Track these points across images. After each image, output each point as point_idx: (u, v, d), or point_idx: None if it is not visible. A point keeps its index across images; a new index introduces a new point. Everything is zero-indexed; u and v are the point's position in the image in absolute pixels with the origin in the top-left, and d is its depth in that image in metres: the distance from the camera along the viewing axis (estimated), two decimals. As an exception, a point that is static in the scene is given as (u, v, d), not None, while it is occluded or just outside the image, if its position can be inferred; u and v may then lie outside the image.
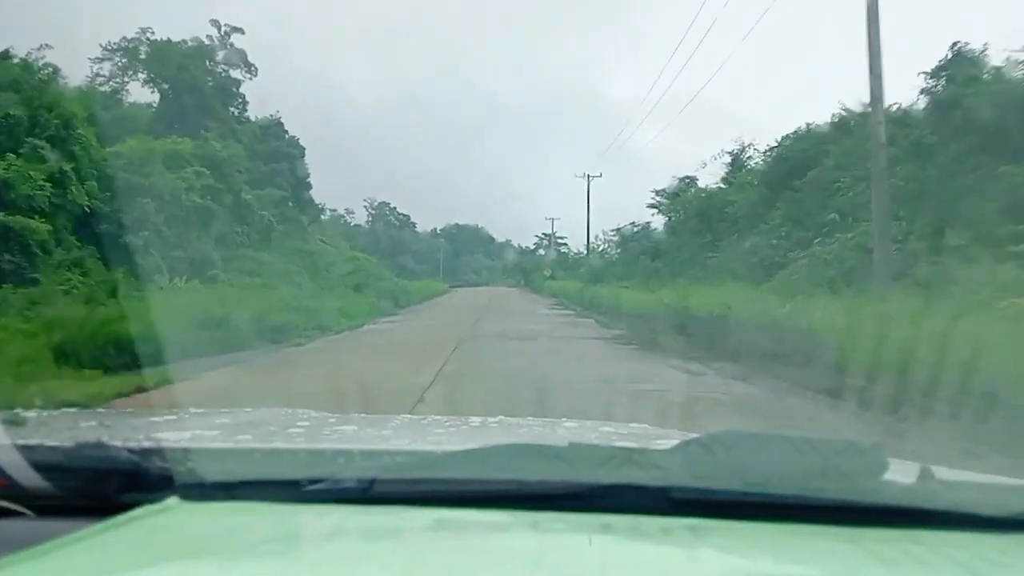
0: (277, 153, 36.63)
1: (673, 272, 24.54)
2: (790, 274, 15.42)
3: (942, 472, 1.14)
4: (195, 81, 30.46)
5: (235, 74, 33.82)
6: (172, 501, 1.09)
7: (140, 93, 29.70)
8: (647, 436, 1.65)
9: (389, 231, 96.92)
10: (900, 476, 1.06)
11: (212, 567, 0.96)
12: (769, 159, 22.50)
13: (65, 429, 1.40)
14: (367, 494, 1.07)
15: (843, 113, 19.01)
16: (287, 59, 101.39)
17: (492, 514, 1.03)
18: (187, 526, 1.07)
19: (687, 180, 30.56)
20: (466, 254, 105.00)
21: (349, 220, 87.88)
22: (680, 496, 1.03)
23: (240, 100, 36.13)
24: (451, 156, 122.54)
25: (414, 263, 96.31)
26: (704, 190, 26.95)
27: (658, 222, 37.04)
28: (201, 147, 23.60)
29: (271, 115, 36.05)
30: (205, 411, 1.95)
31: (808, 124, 21.25)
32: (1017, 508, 1.04)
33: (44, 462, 1.15)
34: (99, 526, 1.02)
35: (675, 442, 1.18)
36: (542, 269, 60.01)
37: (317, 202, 41.17)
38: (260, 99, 36.32)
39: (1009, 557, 1.00)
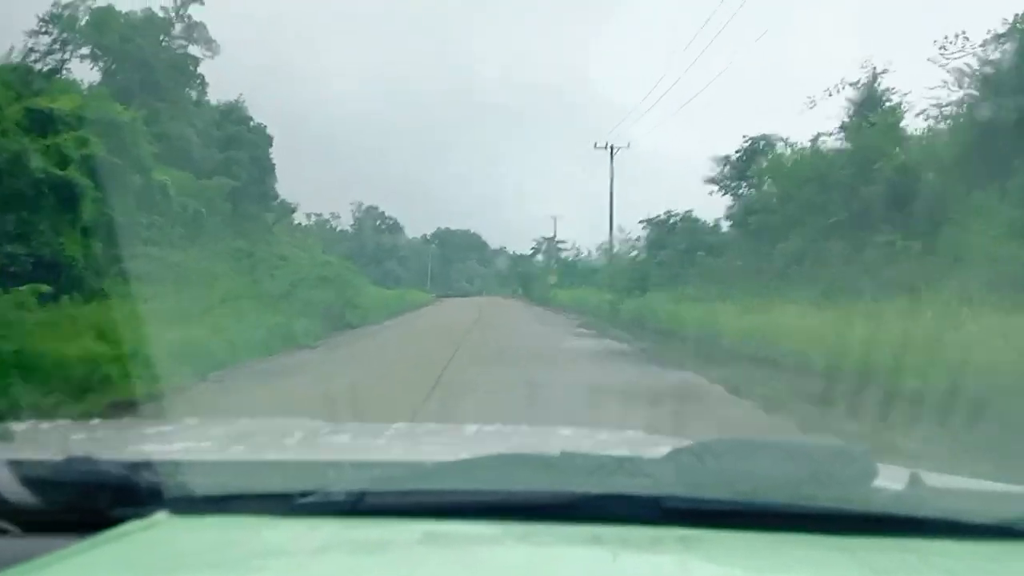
0: (235, 139, 33.00)
1: (778, 276, 12.93)
2: None
3: (932, 478, 1.21)
4: (143, 56, 27.75)
5: (193, 51, 31.20)
6: (161, 516, 1.17)
7: (82, 71, 26.78)
8: (639, 443, 1.69)
9: (376, 236, 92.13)
10: (890, 482, 1.16)
11: None
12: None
13: (54, 443, 1.46)
14: (357, 507, 1.14)
15: None
16: (269, 57, 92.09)
17: (482, 526, 1.12)
18: (176, 541, 1.15)
19: (764, 142, 18.82)
20: (458, 261, 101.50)
21: (335, 225, 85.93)
22: (671, 505, 1.11)
23: (199, 81, 33.24)
24: (443, 159, 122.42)
25: (402, 271, 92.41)
26: (816, 144, 15.45)
27: (710, 210, 25.01)
28: (91, 107, 18.00)
29: (234, 100, 33.69)
30: (198, 422, 1.99)
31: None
32: (1008, 515, 1.11)
33: (32, 477, 1.21)
34: (87, 542, 1.09)
35: (666, 450, 1.26)
36: (546, 276, 57.37)
37: (288, 200, 38.81)
38: (234, 96, 33.88)
39: (1000, 565, 1.07)
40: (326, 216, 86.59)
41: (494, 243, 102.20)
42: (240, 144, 30.62)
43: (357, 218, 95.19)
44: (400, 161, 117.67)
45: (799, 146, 21.24)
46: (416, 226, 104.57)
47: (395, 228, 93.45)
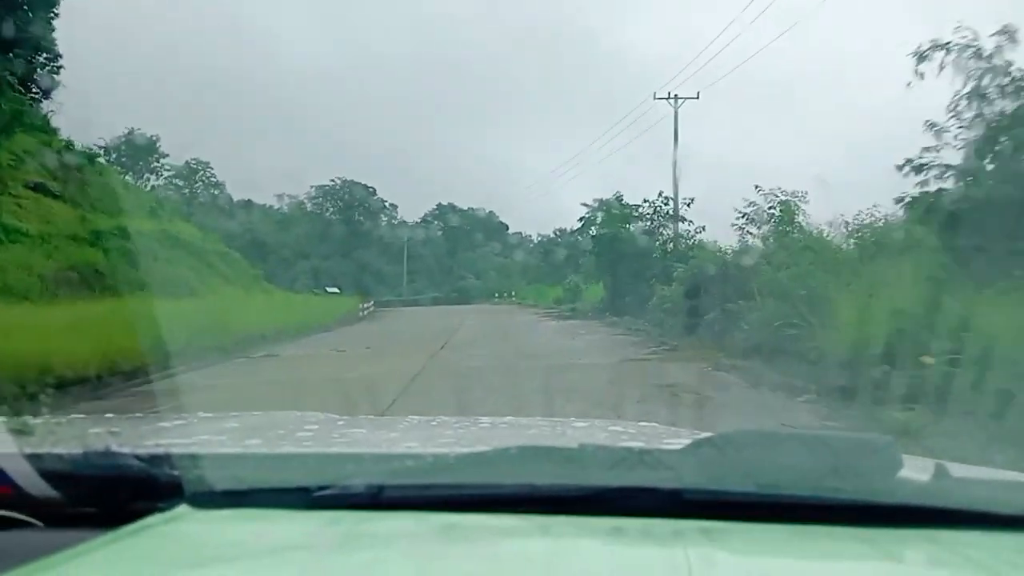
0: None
1: None
2: None
3: (957, 469, 1.20)
4: None
5: None
6: (182, 509, 1.20)
7: None
8: (657, 435, 1.68)
9: (348, 216, 67.88)
10: (915, 474, 1.17)
11: None
12: None
13: (73, 437, 1.46)
14: (377, 499, 1.16)
15: None
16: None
17: (503, 518, 1.14)
18: (197, 535, 1.19)
19: None
20: (465, 249, 73.94)
21: (308, 205, 68.77)
22: (692, 498, 1.12)
23: None
24: (451, 130, 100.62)
25: (383, 262, 67.98)
26: None
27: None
28: None
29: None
30: (214, 415, 2.01)
31: None
32: None
33: (52, 471, 1.24)
34: (108, 536, 1.12)
35: (686, 442, 1.26)
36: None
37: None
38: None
39: None
40: (300, 197, 68.58)
41: (515, 227, 73.71)
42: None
43: (328, 194, 68.76)
44: (399, 136, 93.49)
45: None
46: (417, 208, 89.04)
47: (380, 209, 72.63)
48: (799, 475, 1.10)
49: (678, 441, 1.34)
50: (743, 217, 18.73)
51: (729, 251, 19.10)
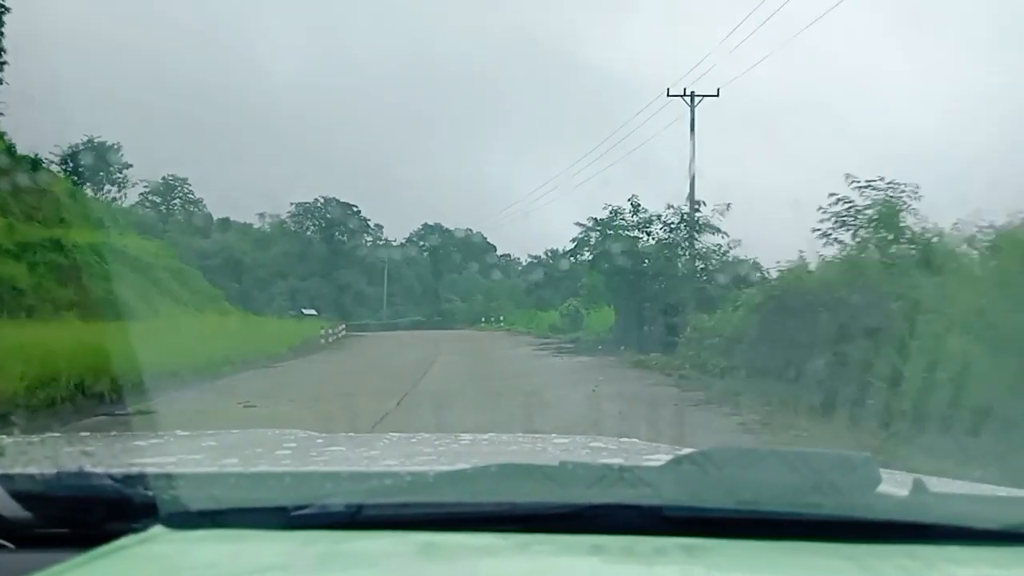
0: None
1: None
2: None
3: (936, 484, 1.23)
4: None
5: None
6: (157, 530, 1.19)
7: None
8: (638, 452, 1.71)
9: (329, 236, 65.26)
10: (894, 489, 1.19)
11: None
12: None
13: (45, 456, 1.48)
14: (355, 519, 1.17)
15: None
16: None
17: (483, 537, 1.14)
18: (172, 556, 1.18)
19: None
20: (450, 271, 72.66)
21: (289, 224, 66.25)
22: (673, 515, 1.13)
23: None
24: (438, 150, 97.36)
25: (365, 283, 65.57)
26: None
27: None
28: None
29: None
30: (190, 434, 1.99)
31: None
32: (1013, 520, 1.13)
33: (24, 491, 1.23)
34: (82, 558, 1.11)
35: (666, 458, 1.28)
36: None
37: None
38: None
39: (1006, 570, 1.08)
40: (282, 215, 67.27)
41: (503, 249, 70.89)
42: None
43: (307, 211, 66.24)
44: (385, 151, 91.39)
45: None
46: (402, 228, 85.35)
47: (360, 227, 69.98)
48: (779, 491, 1.12)
49: (658, 458, 1.36)
50: (832, 219, 13.55)
51: (824, 264, 13.35)
